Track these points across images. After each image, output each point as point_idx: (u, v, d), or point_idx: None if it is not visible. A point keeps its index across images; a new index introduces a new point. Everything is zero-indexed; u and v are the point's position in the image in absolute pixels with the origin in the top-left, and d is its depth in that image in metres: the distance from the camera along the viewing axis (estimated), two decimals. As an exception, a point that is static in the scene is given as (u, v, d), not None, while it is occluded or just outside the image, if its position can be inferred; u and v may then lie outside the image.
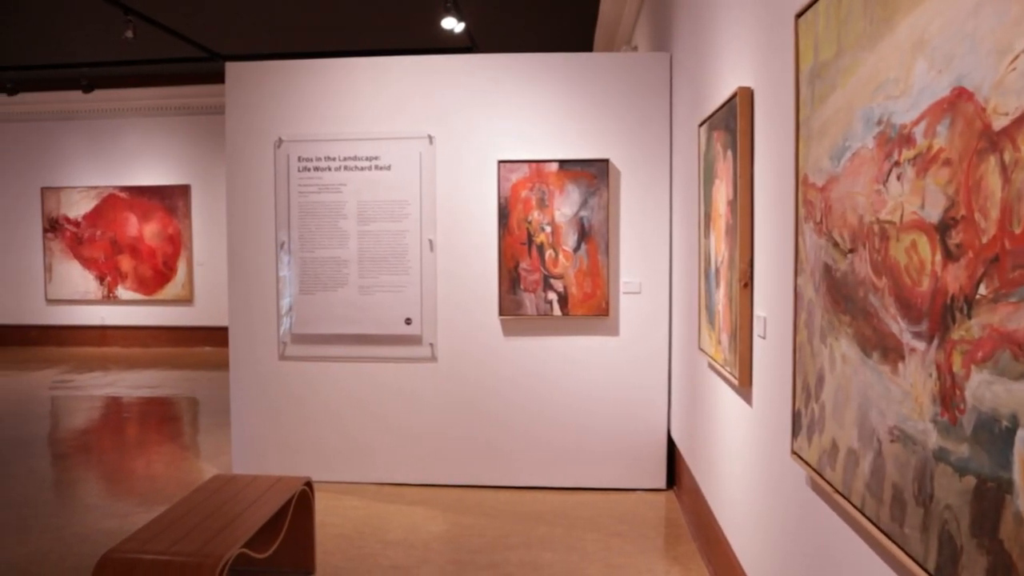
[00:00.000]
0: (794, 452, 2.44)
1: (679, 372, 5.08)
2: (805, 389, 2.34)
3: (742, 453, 3.34)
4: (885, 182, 1.77)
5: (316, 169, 5.40)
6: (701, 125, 3.97)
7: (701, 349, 4.05)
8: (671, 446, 5.38)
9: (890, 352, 1.75)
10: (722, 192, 3.49)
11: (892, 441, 1.74)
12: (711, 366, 3.91)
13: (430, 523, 4.85)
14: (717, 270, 3.62)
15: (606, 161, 5.22)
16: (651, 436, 5.35)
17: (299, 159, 5.41)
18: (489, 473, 5.45)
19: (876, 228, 1.82)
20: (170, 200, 12.24)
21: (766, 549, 2.98)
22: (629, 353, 5.32)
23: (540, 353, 5.36)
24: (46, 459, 6.65)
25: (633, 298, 5.30)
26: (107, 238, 12.39)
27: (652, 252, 5.30)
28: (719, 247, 3.58)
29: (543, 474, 5.42)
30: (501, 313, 5.31)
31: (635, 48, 7.74)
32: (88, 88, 11.66)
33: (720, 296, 3.55)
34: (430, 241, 5.36)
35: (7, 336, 12.89)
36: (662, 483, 5.38)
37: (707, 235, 3.88)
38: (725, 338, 3.43)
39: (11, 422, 7.80)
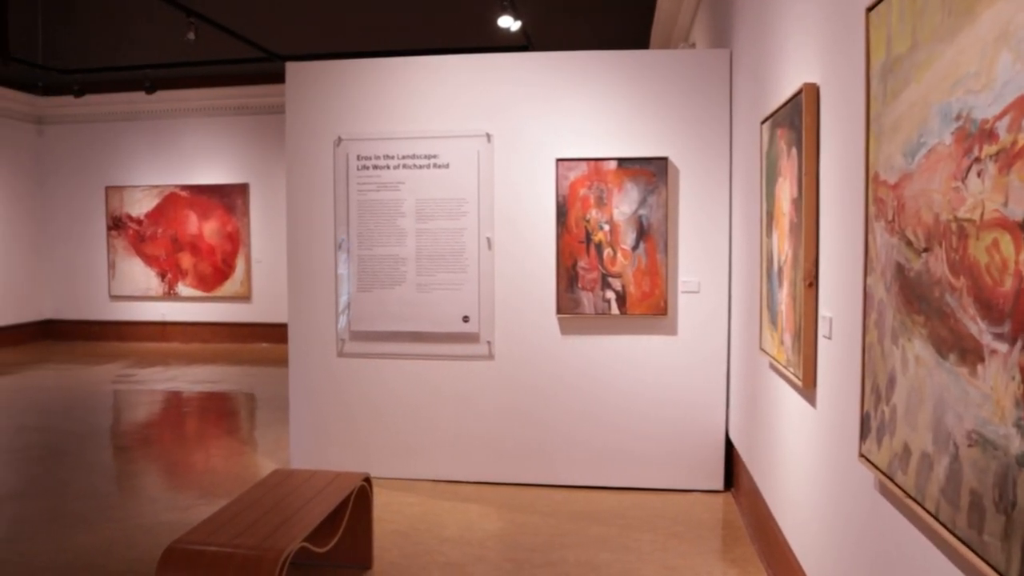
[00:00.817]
0: (862, 455, 2.39)
1: (738, 372, 5.01)
2: (875, 391, 2.29)
3: (805, 455, 3.28)
4: (964, 179, 1.71)
5: (375, 167, 5.45)
6: (764, 122, 3.91)
7: (762, 349, 3.99)
8: (729, 447, 5.31)
9: (968, 354, 1.70)
10: (786, 190, 3.43)
11: (970, 446, 1.69)
12: (772, 366, 3.84)
13: (485, 521, 4.86)
14: (780, 269, 3.56)
15: (665, 159, 5.17)
16: (709, 437, 5.29)
17: (358, 158, 5.46)
18: (544, 472, 5.44)
19: (954, 226, 1.77)
20: (229, 198, 12.47)
21: (829, 553, 2.92)
22: (687, 353, 5.27)
23: (597, 352, 5.34)
24: (109, 451, 6.82)
25: (692, 297, 5.25)
26: (168, 236, 12.68)
27: (711, 251, 5.24)
28: (782, 246, 3.52)
29: (598, 473, 5.39)
30: (559, 312, 5.30)
31: (693, 45, 7.66)
32: (151, 89, 11.93)
33: (783, 296, 3.49)
34: (487, 239, 5.37)
35: (73, 331, 13.26)
36: (719, 484, 5.32)
37: (769, 234, 3.82)
38: (788, 338, 3.38)
39: (76, 415, 8.03)
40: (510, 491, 5.37)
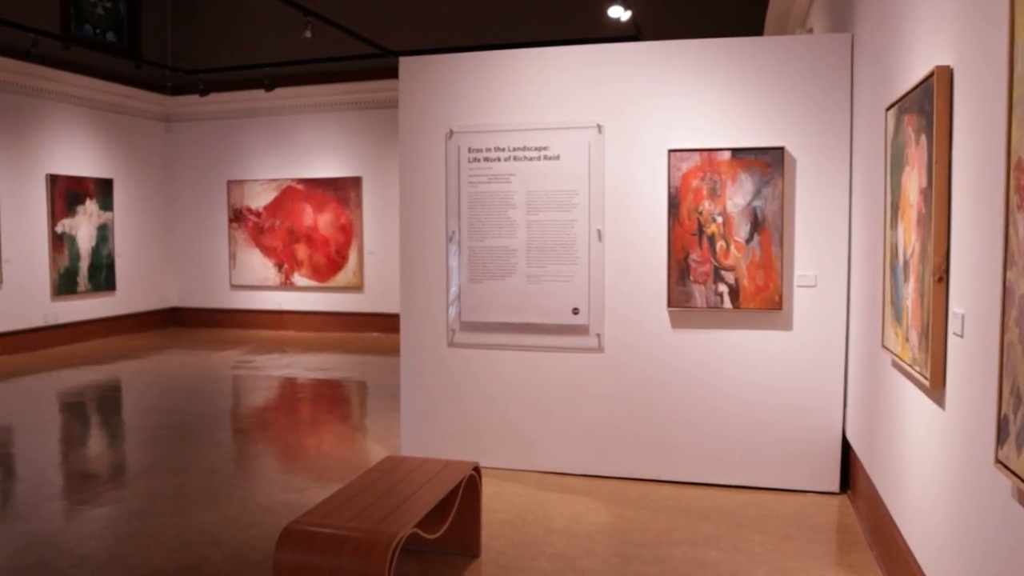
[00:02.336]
0: (998, 461, 2.26)
1: (857, 370, 4.82)
2: (1014, 393, 2.15)
3: (932, 459, 3.13)
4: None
5: (486, 160, 5.48)
6: (889, 109, 3.74)
7: (885, 347, 3.82)
8: (845, 447, 5.12)
9: (1125, 354, 1.58)
10: (914, 179, 3.27)
11: None
12: (896, 365, 3.68)
13: (593, 514, 4.84)
14: (906, 263, 3.40)
15: (781, 149, 5.02)
16: (824, 436, 5.11)
17: (469, 150, 5.51)
18: (652, 466, 5.38)
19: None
20: (343, 191, 12.80)
21: (958, 563, 2.78)
22: (803, 349, 5.10)
23: (709, 346, 5.23)
24: (229, 433, 7.12)
25: (808, 291, 5.07)
26: (285, 228, 13.12)
27: (829, 244, 5.05)
28: (909, 239, 3.36)
29: (708, 470, 5.29)
30: (670, 305, 5.22)
31: (810, 30, 7.40)
32: (270, 87, 12.37)
33: (909, 291, 3.34)
34: (598, 231, 5.34)
35: (197, 318, 13.91)
36: (835, 486, 5.13)
37: (894, 226, 3.65)
38: (914, 336, 3.22)
39: (199, 398, 8.41)
40: (618, 485, 5.33)
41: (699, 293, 5.15)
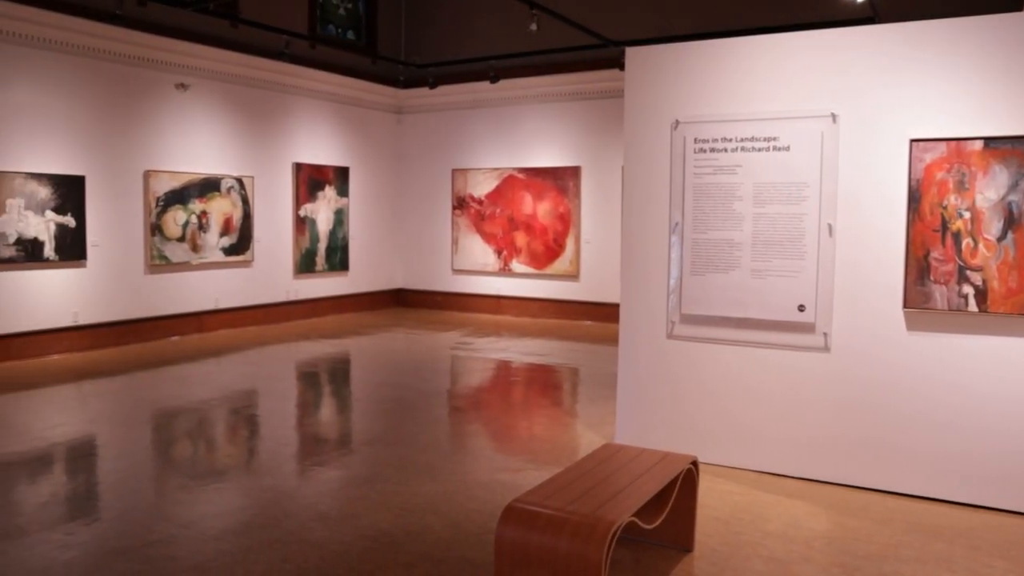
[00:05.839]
0: None
1: None
2: None
3: None
4: None
5: (712, 150, 5.39)
6: None
7: None
8: (1110, 472, 4.60)
9: None
10: None
11: None
12: None
13: (811, 519, 4.66)
14: None
15: (1044, 139, 4.57)
16: (1084, 458, 4.62)
17: (695, 140, 5.44)
18: (878, 475, 5.09)
19: None
20: (562, 181, 13.01)
21: None
22: (1061, 360, 4.63)
23: (949, 351, 4.86)
24: (446, 410, 7.48)
25: (1071, 297, 4.59)
26: (505, 216, 13.52)
27: (1099, 245, 4.54)
28: None
29: (941, 485, 4.93)
30: (906, 305, 4.90)
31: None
32: (495, 79, 12.79)
33: None
34: (829, 225, 5.10)
35: (420, 300, 14.68)
36: (1095, 514, 4.63)
37: None
38: None
39: (422, 376, 8.88)
40: (839, 491, 5.10)
41: (940, 294, 4.80)
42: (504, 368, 9.50)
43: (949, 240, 4.77)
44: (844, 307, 5.10)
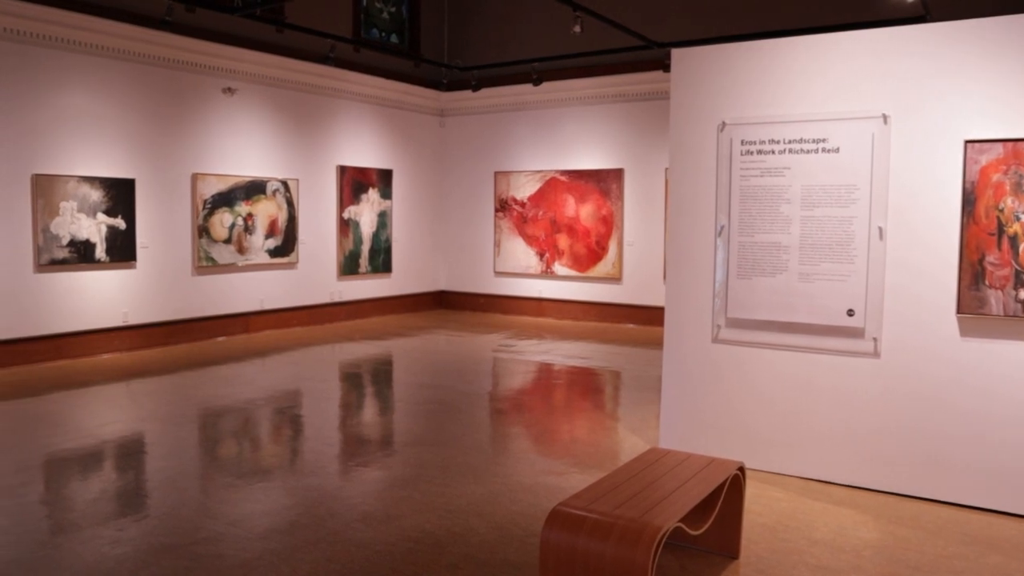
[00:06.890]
0: None
1: None
2: None
3: None
4: None
5: (759, 152, 5.32)
6: None
7: None
8: None
9: None
10: None
11: None
12: None
13: (860, 528, 4.57)
14: None
15: (1106, 140, 4.44)
16: None
17: (742, 142, 5.37)
18: (930, 485, 4.98)
19: None
20: (604, 183, 12.95)
21: None
22: (1123, 368, 4.50)
23: (1006, 359, 4.74)
24: (488, 412, 7.48)
25: None
26: (547, 218, 13.51)
27: None
28: None
29: (997, 496, 4.80)
30: (959, 311, 4.80)
31: None
32: (537, 81, 12.77)
33: None
34: (879, 229, 5.01)
35: (463, 302, 14.72)
36: None
37: None
38: None
39: (464, 377, 8.89)
40: (888, 500, 5.00)
41: (996, 299, 4.69)
42: (546, 371, 9.48)
43: (1005, 244, 4.66)
44: (895, 312, 5.01)
